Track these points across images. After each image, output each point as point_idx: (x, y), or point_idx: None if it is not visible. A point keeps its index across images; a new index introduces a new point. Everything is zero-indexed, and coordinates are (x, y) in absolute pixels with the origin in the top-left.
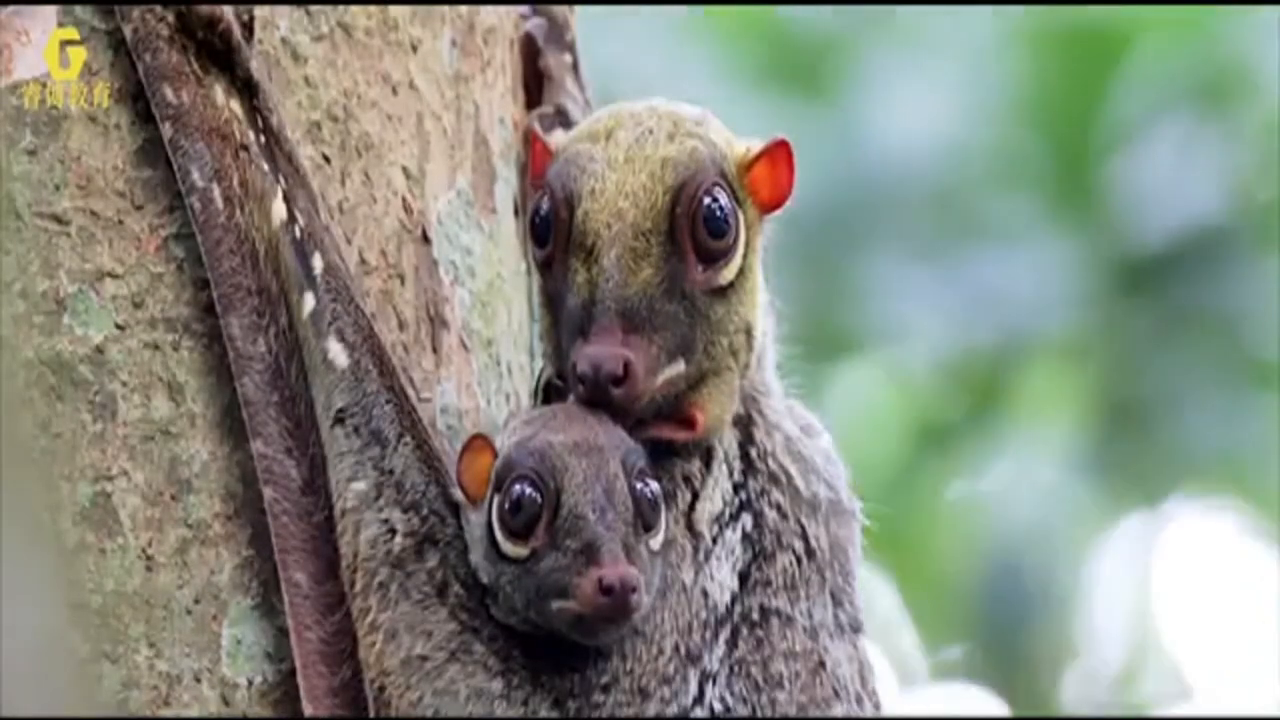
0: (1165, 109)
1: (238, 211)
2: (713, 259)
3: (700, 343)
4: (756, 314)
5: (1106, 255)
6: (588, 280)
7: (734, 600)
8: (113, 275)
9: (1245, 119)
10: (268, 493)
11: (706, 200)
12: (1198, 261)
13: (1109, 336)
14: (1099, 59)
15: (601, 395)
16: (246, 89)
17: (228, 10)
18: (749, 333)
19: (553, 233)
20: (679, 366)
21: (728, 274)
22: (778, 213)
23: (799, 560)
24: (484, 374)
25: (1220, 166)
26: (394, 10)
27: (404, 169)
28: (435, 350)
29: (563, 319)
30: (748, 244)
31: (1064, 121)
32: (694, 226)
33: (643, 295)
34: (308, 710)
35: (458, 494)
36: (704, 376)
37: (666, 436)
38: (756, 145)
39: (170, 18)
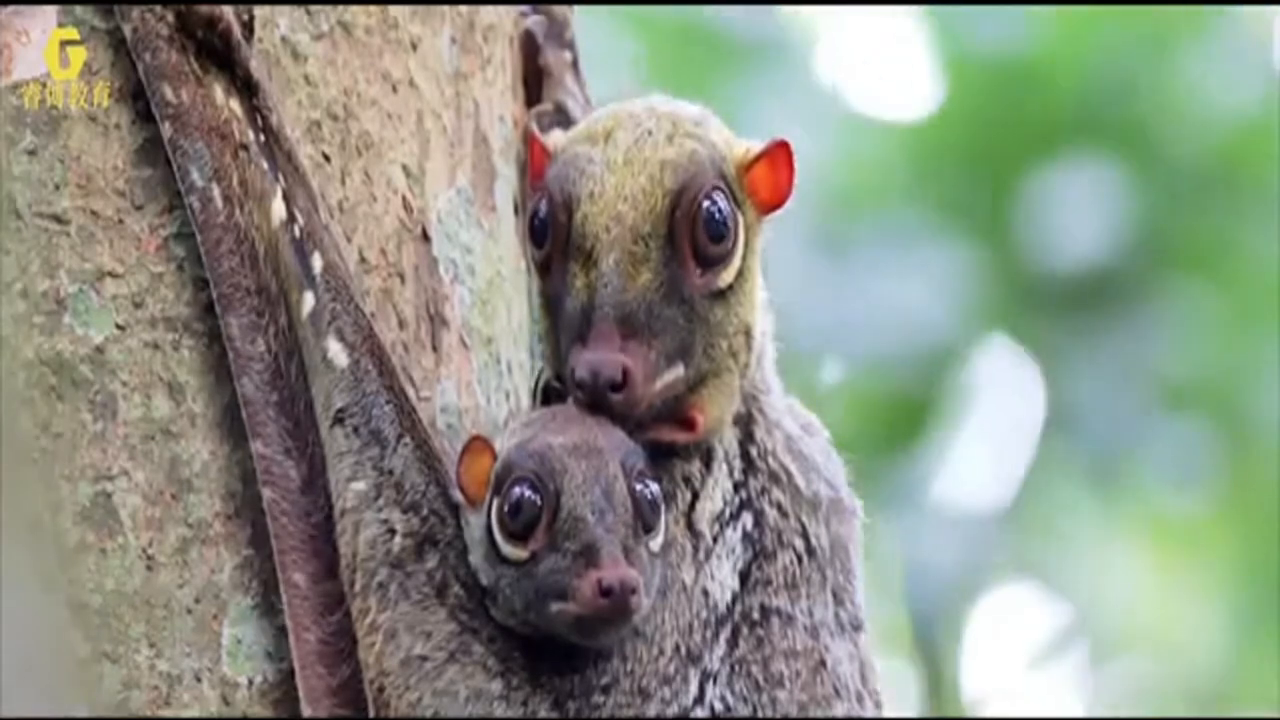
0: (1076, 141)
1: (237, 211)
2: (712, 263)
3: (699, 346)
4: (756, 314)
5: (1010, 279)
6: (586, 284)
7: (734, 599)
8: (113, 275)
9: (1157, 153)
10: (267, 493)
11: (706, 204)
12: (1101, 294)
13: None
14: (1018, 85)
15: (600, 402)
16: (246, 88)
17: (227, 9)
18: (748, 333)
19: (551, 235)
20: (678, 371)
21: (727, 277)
22: (778, 212)
23: (800, 559)
24: (484, 372)
25: (1127, 202)
26: (394, 8)
27: (404, 167)
28: (435, 349)
29: (561, 322)
30: (747, 245)
31: (978, 144)
32: (693, 230)
33: (641, 300)
34: (306, 711)
35: (457, 495)
36: (704, 378)
37: (667, 438)
38: (757, 146)
39: (170, 17)
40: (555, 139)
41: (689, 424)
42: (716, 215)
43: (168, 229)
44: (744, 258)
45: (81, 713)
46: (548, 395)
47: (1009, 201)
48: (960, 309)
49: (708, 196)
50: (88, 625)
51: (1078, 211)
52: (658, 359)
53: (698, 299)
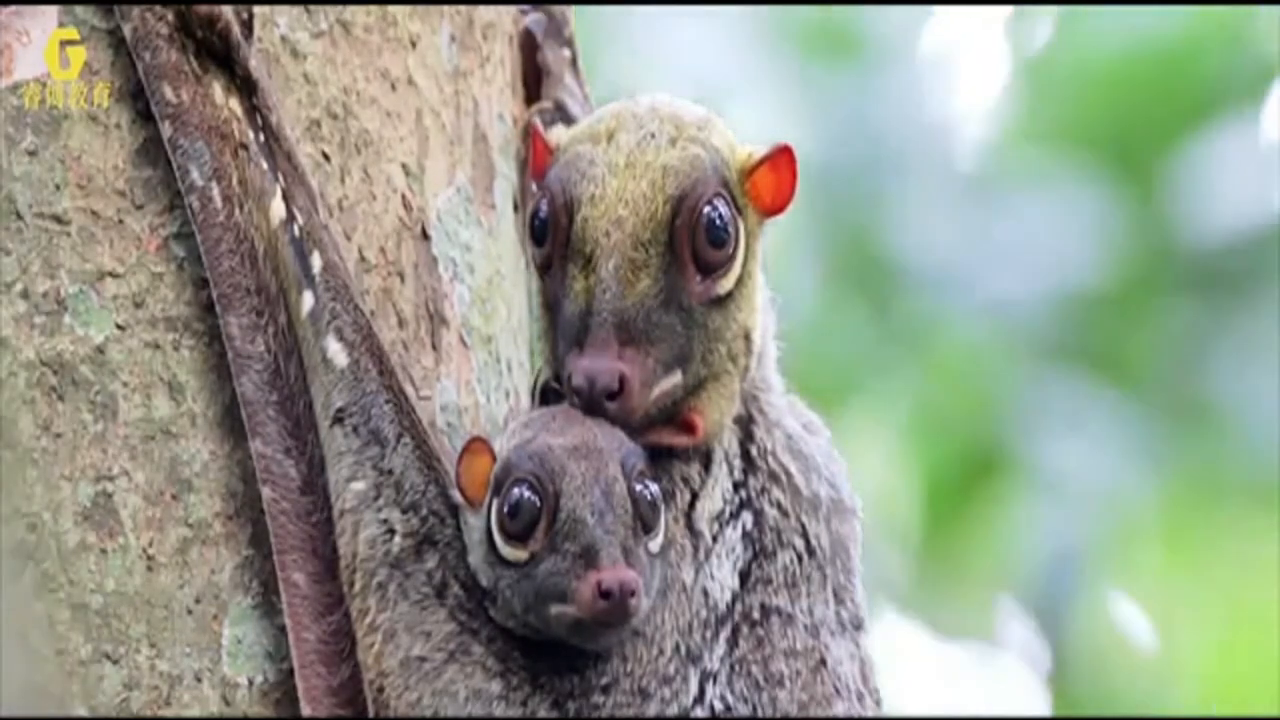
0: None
1: (237, 210)
2: (712, 269)
3: (698, 352)
4: (756, 318)
5: (1158, 244)
6: (585, 289)
7: (734, 599)
8: (113, 275)
9: None
10: (266, 492)
11: (707, 211)
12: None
13: (1158, 328)
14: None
15: (596, 409)
16: (246, 87)
17: (227, 8)
18: (748, 337)
19: (551, 236)
20: (675, 377)
21: (727, 284)
22: (780, 216)
23: (800, 558)
24: (483, 371)
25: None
26: (393, 7)
27: (403, 165)
28: (435, 347)
29: (560, 324)
30: (748, 250)
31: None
32: (694, 237)
33: (640, 307)
34: (306, 711)
35: (457, 495)
36: (702, 382)
37: (666, 442)
38: (760, 150)
39: (170, 16)
40: (558, 135)
41: (689, 427)
42: (717, 222)
43: (168, 229)
44: (745, 263)
45: (81, 713)
46: (546, 395)
47: (1157, 166)
48: (1105, 260)
49: (709, 203)
50: (88, 625)
51: (1227, 184)
52: (655, 366)
53: (697, 306)
